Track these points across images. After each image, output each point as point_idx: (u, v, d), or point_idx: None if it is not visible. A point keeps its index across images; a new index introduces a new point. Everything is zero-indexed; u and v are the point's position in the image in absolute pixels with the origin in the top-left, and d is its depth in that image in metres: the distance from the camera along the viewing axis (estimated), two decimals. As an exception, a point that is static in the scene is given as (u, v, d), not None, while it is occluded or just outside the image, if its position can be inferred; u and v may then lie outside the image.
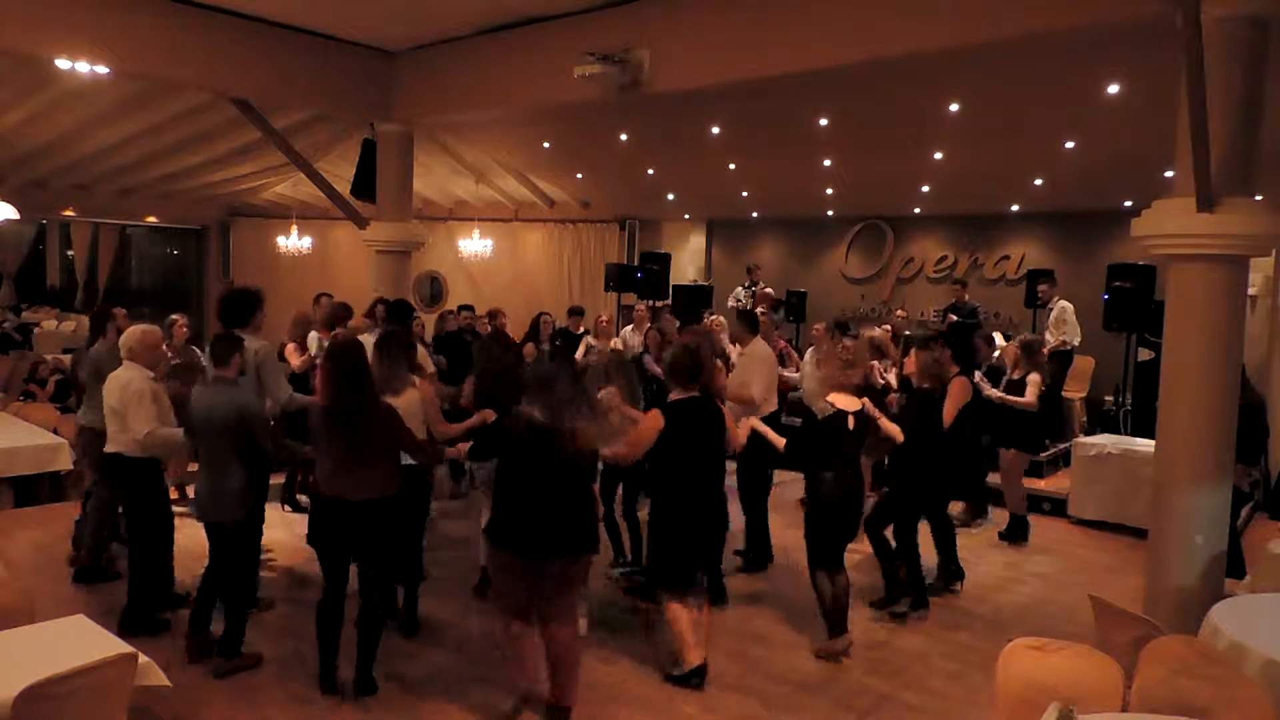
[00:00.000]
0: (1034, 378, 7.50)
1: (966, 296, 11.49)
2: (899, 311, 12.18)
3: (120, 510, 5.85)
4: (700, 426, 4.73)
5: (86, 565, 5.95)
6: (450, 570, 6.26)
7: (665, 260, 13.46)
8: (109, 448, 5.14)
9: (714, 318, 8.83)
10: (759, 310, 9.14)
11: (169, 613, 5.23)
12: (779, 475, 7.14)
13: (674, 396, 4.77)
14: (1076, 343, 9.92)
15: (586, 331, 9.94)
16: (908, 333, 10.18)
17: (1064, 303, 10.00)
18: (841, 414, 5.17)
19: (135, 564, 5.16)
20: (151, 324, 5.47)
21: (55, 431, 7.81)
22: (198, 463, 4.96)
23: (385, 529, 4.44)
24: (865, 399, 5.39)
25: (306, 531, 4.53)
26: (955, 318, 11.04)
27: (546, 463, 4.02)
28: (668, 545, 4.73)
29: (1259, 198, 5.03)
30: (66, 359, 10.81)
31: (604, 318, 10.06)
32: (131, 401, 4.95)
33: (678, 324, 9.75)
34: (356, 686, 4.47)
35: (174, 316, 7.43)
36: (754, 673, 4.88)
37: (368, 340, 5.44)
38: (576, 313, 10.41)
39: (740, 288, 12.79)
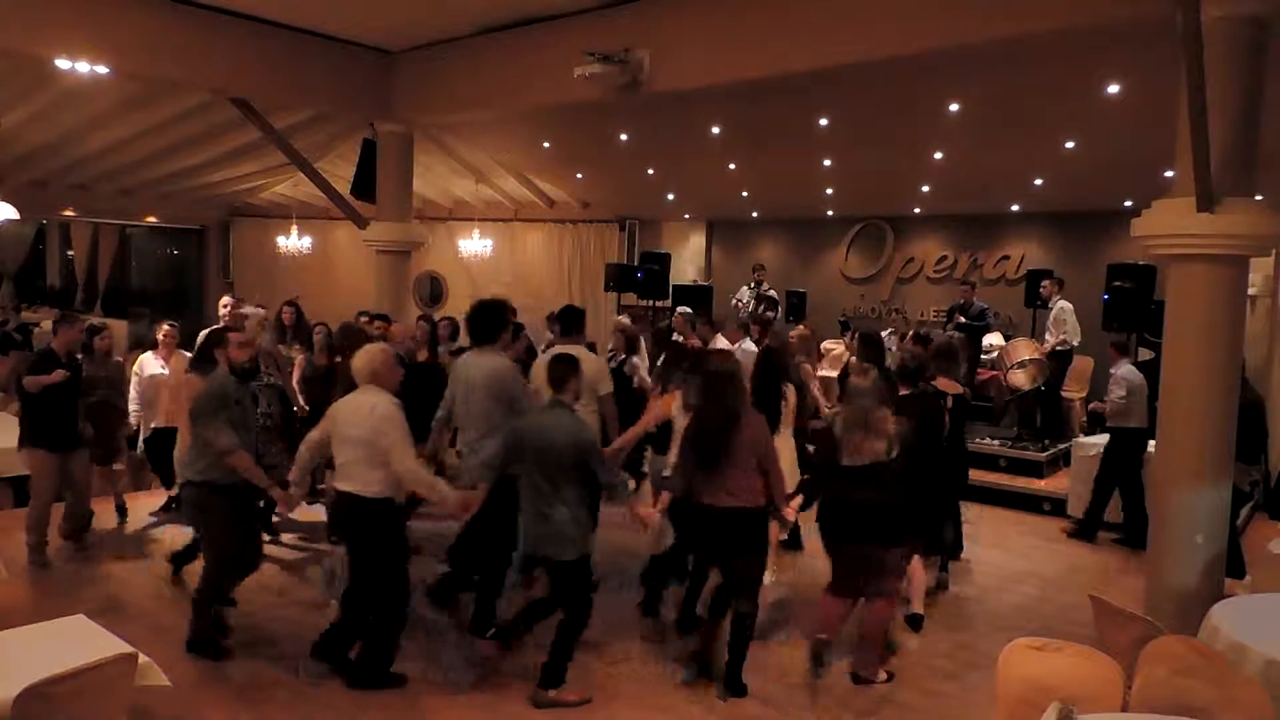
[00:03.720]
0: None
1: (975, 297, 11.21)
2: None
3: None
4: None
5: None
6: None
7: (665, 260, 13.45)
8: (343, 485, 4.46)
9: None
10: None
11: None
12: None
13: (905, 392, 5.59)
14: (1076, 342, 9.91)
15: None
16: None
17: (1064, 303, 10.00)
18: (939, 393, 5.81)
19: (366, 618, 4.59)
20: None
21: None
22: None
23: (752, 536, 4.61)
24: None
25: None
26: (962, 318, 10.85)
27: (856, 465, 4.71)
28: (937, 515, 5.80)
29: (1259, 198, 5.04)
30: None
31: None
32: (383, 429, 4.33)
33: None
34: (726, 686, 4.65)
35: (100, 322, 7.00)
36: (755, 673, 4.86)
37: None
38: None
39: (745, 288, 12.77)
